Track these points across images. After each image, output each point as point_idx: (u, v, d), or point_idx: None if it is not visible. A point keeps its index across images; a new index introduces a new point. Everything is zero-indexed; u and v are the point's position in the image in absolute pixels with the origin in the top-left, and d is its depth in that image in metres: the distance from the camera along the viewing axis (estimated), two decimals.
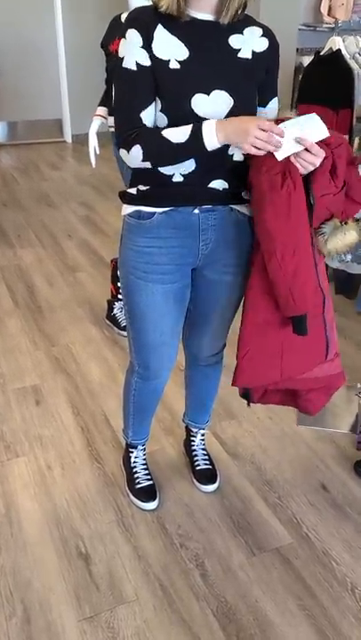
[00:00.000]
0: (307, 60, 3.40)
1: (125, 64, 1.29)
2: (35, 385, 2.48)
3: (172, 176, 1.38)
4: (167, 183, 1.39)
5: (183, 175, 1.37)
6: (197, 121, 1.28)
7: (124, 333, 2.81)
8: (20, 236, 4.09)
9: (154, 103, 1.31)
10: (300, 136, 1.26)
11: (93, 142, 2.68)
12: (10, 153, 6.31)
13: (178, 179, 1.38)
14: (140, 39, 1.27)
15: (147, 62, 1.28)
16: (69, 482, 1.98)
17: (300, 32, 4.15)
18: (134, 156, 1.31)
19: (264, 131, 1.22)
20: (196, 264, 1.53)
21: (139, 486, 1.89)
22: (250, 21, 1.36)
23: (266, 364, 1.59)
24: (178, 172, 1.37)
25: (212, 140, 1.26)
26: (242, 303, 1.60)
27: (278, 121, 1.29)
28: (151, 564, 1.69)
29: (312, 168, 1.32)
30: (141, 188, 1.44)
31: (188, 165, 1.36)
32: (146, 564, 1.69)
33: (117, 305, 2.91)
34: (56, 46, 6.33)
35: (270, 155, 1.28)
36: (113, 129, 2.68)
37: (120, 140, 1.34)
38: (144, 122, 1.31)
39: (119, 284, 2.94)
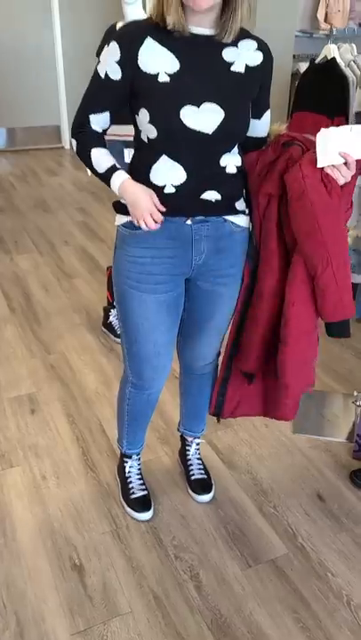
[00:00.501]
0: (303, 66, 3.40)
1: (98, 68, 1.34)
2: (30, 393, 2.47)
3: (163, 187, 1.38)
4: (159, 194, 1.38)
5: (175, 186, 1.37)
6: (186, 133, 1.29)
7: (120, 341, 2.80)
8: (17, 242, 4.09)
9: (107, 113, 1.38)
10: (344, 150, 1.30)
11: None
12: (8, 159, 6.32)
13: (170, 190, 1.37)
14: (119, 55, 1.29)
15: (116, 76, 1.31)
16: (64, 492, 1.97)
17: (296, 38, 4.16)
18: (73, 147, 1.43)
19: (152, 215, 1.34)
20: (189, 274, 1.52)
21: (133, 496, 1.87)
22: (245, 34, 1.35)
23: (305, 372, 1.64)
24: (169, 183, 1.37)
25: (116, 187, 1.38)
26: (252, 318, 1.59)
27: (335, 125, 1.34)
28: (145, 576, 1.68)
29: (343, 181, 1.36)
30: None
31: (180, 177, 1.36)
32: (140, 576, 1.68)
33: (113, 312, 2.90)
34: (54, 53, 6.34)
35: (308, 162, 1.31)
36: (110, 138, 2.68)
37: (72, 125, 1.43)
38: (91, 123, 1.39)
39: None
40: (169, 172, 1.36)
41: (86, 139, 1.40)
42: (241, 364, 1.69)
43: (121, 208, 1.47)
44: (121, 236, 1.51)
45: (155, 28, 1.28)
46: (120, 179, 1.37)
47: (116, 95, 1.35)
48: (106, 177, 1.38)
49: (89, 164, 1.40)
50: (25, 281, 3.50)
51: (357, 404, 2.24)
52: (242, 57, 1.34)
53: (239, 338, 1.66)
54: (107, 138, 2.70)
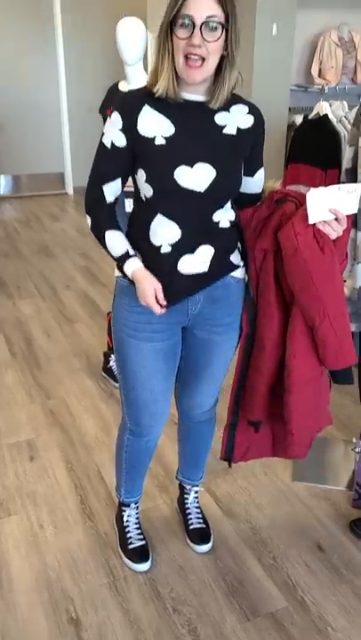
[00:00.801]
0: (299, 119, 3.53)
1: (104, 140, 1.41)
2: (29, 439, 2.47)
3: (160, 247, 1.43)
4: (156, 253, 1.44)
5: (171, 245, 1.42)
6: (180, 192, 1.36)
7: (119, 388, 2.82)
8: (20, 286, 4.15)
9: (119, 180, 1.44)
10: (335, 207, 1.36)
11: None
12: (13, 205, 6.47)
13: (166, 249, 1.43)
14: (122, 123, 1.36)
15: (122, 143, 1.38)
16: (61, 541, 1.95)
17: (292, 92, 4.32)
18: (87, 220, 1.50)
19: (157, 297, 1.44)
20: (185, 323, 1.56)
21: (131, 546, 1.86)
22: (237, 99, 1.43)
23: (313, 419, 1.67)
24: (166, 242, 1.42)
25: (128, 273, 1.46)
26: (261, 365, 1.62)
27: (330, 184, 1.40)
28: (143, 630, 1.65)
29: (335, 236, 1.41)
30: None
31: (175, 235, 1.41)
32: (137, 630, 1.65)
33: (113, 357, 2.92)
34: (59, 106, 6.59)
35: (300, 219, 1.37)
36: None
37: (85, 201, 1.48)
38: (105, 194, 1.45)
39: None
40: (165, 231, 1.42)
41: (101, 218, 1.46)
42: (247, 413, 1.71)
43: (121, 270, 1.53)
44: (119, 286, 1.56)
45: (151, 95, 1.36)
46: (132, 267, 1.44)
47: (124, 162, 1.41)
48: (119, 262, 1.46)
49: (103, 244, 1.47)
50: (27, 325, 3.55)
51: (356, 450, 2.24)
52: (234, 120, 1.41)
53: (243, 386, 1.69)
54: None
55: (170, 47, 1.30)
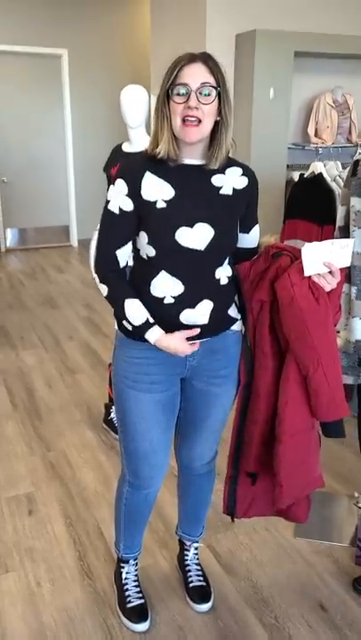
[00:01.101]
0: (296, 175, 3.66)
1: (110, 207, 1.46)
2: (28, 493, 2.46)
3: (163, 298, 1.48)
4: (159, 303, 1.48)
5: (174, 297, 1.47)
6: (181, 251, 1.42)
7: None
8: (24, 337, 4.20)
9: (130, 243, 1.49)
10: (328, 261, 1.42)
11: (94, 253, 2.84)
12: (18, 257, 6.62)
13: (169, 300, 1.48)
14: (127, 189, 1.43)
15: (129, 208, 1.44)
16: (59, 599, 1.92)
17: (290, 150, 4.49)
18: (101, 289, 1.52)
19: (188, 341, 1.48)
20: (184, 374, 1.59)
21: (130, 605, 1.82)
22: (231, 162, 1.51)
23: (302, 473, 1.65)
24: (168, 294, 1.47)
25: (151, 341, 1.48)
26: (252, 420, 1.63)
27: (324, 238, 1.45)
28: None
29: (329, 288, 1.46)
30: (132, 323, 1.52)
31: (178, 289, 1.46)
32: None
33: (114, 409, 2.93)
34: (65, 163, 6.86)
35: (296, 271, 1.42)
36: None
37: (97, 270, 1.51)
38: (119, 259, 1.49)
39: None
40: (168, 286, 1.47)
41: (119, 286, 1.49)
42: (243, 464, 1.71)
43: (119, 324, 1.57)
44: (119, 338, 1.60)
45: (151, 161, 1.44)
46: (155, 335, 1.47)
47: (132, 225, 1.46)
48: (140, 330, 1.48)
49: (121, 313, 1.48)
50: (29, 376, 3.57)
51: (359, 505, 2.22)
52: (229, 182, 1.49)
53: (241, 437, 1.69)
54: None
55: (168, 113, 1.39)
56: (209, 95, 1.36)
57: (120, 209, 1.45)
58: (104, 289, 1.50)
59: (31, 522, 2.28)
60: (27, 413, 3.12)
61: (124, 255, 1.49)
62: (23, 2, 6.14)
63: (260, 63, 4.21)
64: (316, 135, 4.64)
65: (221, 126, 1.42)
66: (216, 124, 1.41)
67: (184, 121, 1.36)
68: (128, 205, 1.44)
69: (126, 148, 2.72)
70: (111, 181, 2.61)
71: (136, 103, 2.60)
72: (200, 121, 1.36)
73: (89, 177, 6.74)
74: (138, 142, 2.64)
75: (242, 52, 4.36)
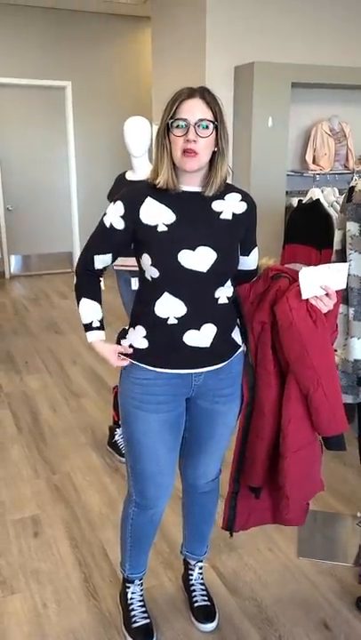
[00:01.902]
0: (295, 201, 3.76)
1: (104, 219, 1.58)
2: (34, 515, 2.48)
3: (167, 319, 1.53)
4: (163, 324, 1.54)
5: (177, 318, 1.53)
6: (184, 273, 1.48)
7: (125, 460, 2.84)
8: (28, 362, 4.25)
9: (110, 255, 1.61)
10: (325, 284, 1.48)
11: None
12: (22, 283, 6.71)
13: (172, 321, 1.53)
14: (123, 211, 1.52)
15: (118, 227, 1.54)
16: (65, 621, 1.93)
17: (288, 177, 4.60)
18: (74, 280, 1.68)
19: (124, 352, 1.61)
20: (189, 394, 1.64)
21: (135, 625, 1.83)
22: (230, 188, 1.59)
23: (307, 484, 1.70)
24: (172, 315, 1.53)
25: (88, 340, 1.66)
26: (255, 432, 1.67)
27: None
28: None
29: (326, 310, 1.53)
30: (137, 345, 1.59)
31: (181, 310, 1.52)
32: None
33: (119, 431, 2.97)
34: (69, 191, 7.00)
35: (294, 295, 1.49)
36: (118, 268, 2.93)
37: (77, 262, 1.66)
38: (95, 263, 1.62)
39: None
40: (171, 307, 1.53)
41: (84, 283, 1.65)
42: (247, 479, 1.75)
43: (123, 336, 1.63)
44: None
45: (153, 188, 1.52)
46: (92, 338, 1.65)
47: (118, 241, 1.58)
48: (85, 328, 1.65)
49: (78, 306, 1.66)
50: (34, 400, 3.61)
51: None
52: (229, 207, 1.56)
53: (244, 453, 1.74)
54: (116, 268, 2.96)
55: (168, 145, 1.48)
56: (207, 128, 1.44)
57: (111, 225, 1.55)
58: (75, 279, 1.67)
59: (37, 544, 2.30)
60: (32, 437, 3.16)
61: (101, 261, 1.62)
62: (28, 36, 6.36)
63: (259, 94, 4.35)
64: (313, 162, 4.75)
65: (218, 156, 1.50)
66: (214, 153, 1.49)
67: (184, 152, 1.44)
68: (119, 224, 1.54)
69: (130, 176, 2.81)
70: None
71: (139, 133, 2.70)
72: (198, 152, 1.44)
73: (92, 205, 6.88)
74: (141, 171, 2.73)
75: (241, 84, 4.51)
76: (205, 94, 1.46)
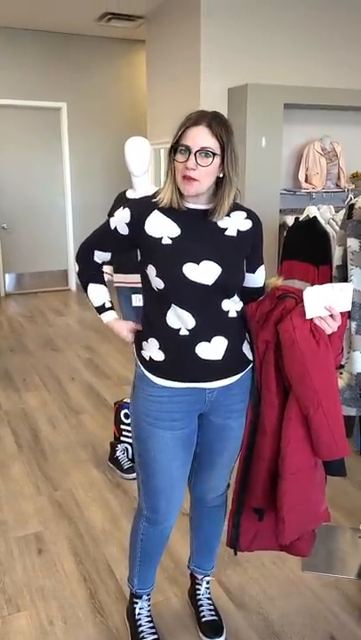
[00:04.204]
0: (289, 219, 3.82)
1: (110, 221, 1.64)
2: (37, 532, 2.47)
3: (179, 330, 1.56)
4: (175, 335, 1.56)
5: (188, 330, 1.55)
6: (190, 285, 1.50)
7: (127, 476, 2.84)
8: (26, 379, 4.25)
9: (109, 254, 1.70)
10: (329, 304, 1.49)
11: None
12: (17, 301, 6.72)
13: (184, 332, 1.55)
14: (129, 219, 1.57)
15: (122, 232, 1.60)
16: (72, 638, 1.92)
17: (281, 196, 4.69)
18: (75, 267, 1.80)
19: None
20: (203, 410, 1.65)
21: None
22: (236, 207, 1.61)
23: (305, 509, 1.68)
24: (183, 326, 1.55)
25: (104, 321, 1.78)
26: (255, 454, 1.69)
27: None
28: None
29: (330, 331, 1.54)
30: (155, 357, 1.60)
31: (190, 322, 1.55)
32: None
33: (120, 447, 2.98)
34: (64, 207, 7.05)
35: (298, 314, 1.50)
36: (118, 284, 2.96)
37: (77, 250, 1.75)
38: (95, 256, 1.71)
39: (123, 427, 3.04)
40: (181, 318, 1.55)
41: (88, 269, 1.75)
42: (250, 500, 1.75)
43: (140, 360, 1.66)
44: (138, 376, 1.66)
45: (160, 202, 1.56)
46: (107, 318, 1.77)
47: (120, 244, 1.64)
48: (98, 310, 1.77)
49: (85, 292, 1.78)
50: (33, 417, 3.61)
51: None
52: (234, 224, 1.59)
53: (247, 472, 1.73)
54: (116, 285, 2.99)
55: (173, 167, 1.52)
56: (208, 157, 1.46)
57: (115, 229, 1.61)
58: (77, 266, 1.77)
59: (41, 561, 2.29)
60: (32, 454, 3.15)
61: (100, 257, 1.71)
62: (24, 58, 6.46)
63: (252, 114, 4.45)
64: (306, 181, 4.85)
65: (225, 183, 1.52)
66: (221, 179, 1.52)
67: (184, 177, 1.48)
68: (123, 229, 1.60)
69: (130, 194, 2.86)
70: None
71: (140, 153, 2.76)
72: (198, 180, 1.47)
73: (87, 223, 6.86)
74: (142, 189, 2.79)
75: (234, 105, 4.61)
76: (213, 122, 1.47)
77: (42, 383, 4.18)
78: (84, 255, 1.72)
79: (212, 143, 1.46)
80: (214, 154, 1.46)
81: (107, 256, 1.70)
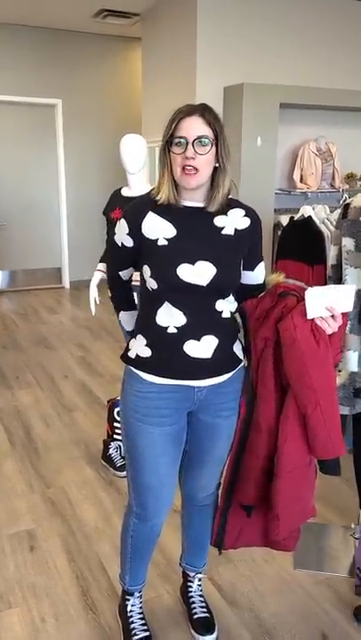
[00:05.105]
0: (283, 219, 3.84)
1: (115, 239, 1.65)
2: (29, 530, 2.47)
3: (167, 328, 1.56)
4: (163, 332, 1.56)
5: (176, 328, 1.55)
6: (184, 286, 1.50)
7: (120, 474, 2.84)
8: (19, 377, 4.24)
9: (131, 267, 1.71)
10: (331, 305, 1.49)
11: (94, 294, 2.94)
12: (10, 298, 6.69)
13: (172, 330, 1.56)
14: (128, 228, 1.58)
15: (129, 244, 1.60)
16: (64, 635, 1.92)
17: (276, 195, 4.70)
18: (109, 292, 1.84)
19: None
20: (192, 408, 1.65)
21: (135, 638, 1.83)
22: (234, 203, 1.62)
23: (298, 506, 1.69)
24: (172, 324, 1.55)
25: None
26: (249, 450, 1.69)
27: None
28: None
29: (331, 331, 1.54)
30: (141, 353, 1.61)
31: (180, 320, 1.54)
32: None
33: (113, 445, 2.97)
34: (59, 206, 7.04)
35: (299, 313, 1.49)
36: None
37: (108, 277, 1.80)
38: (121, 275, 1.75)
39: (116, 425, 3.04)
40: (171, 316, 1.55)
41: (118, 296, 1.81)
42: (240, 497, 1.75)
43: (127, 358, 1.67)
44: (128, 373, 1.66)
45: (155, 202, 1.56)
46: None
47: (132, 257, 1.63)
48: (129, 334, 1.76)
49: (117, 316, 1.85)
50: (26, 415, 3.60)
51: (356, 536, 2.26)
52: (231, 222, 1.59)
53: (238, 469, 1.74)
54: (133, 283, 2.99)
55: (168, 162, 1.51)
56: (205, 145, 1.47)
57: (122, 244, 1.62)
58: (110, 291, 1.82)
59: (33, 558, 2.29)
60: (25, 451, 3.14)
61: (125, 275, 1.74)
62: (19, 54, 6.43)
63: (248, 114, 4.46)
64: (301, 181, 4.86)
65: (219, 172, 1.53)
66: (215, 169, 1.53)
67: (183, 169, 1.48)
68: (128, 242, 1.60)
69: (125, 192, 2.85)
70: (112, 222, 2.77)
71: (135, 150, 2.75)
72: (197, 169, 1.48)
73: (81, 221, 6.93)
74: (137, 187, 2.78)
75: (230, 104, 4.62)
76: (205, 112, 1.49)
77: (35, 381, 4.17)
78: (112, 281, 1.77)
79: (207, 131, 1.48)
80: (211, 142, 1.48)
81: (130, 271, 1.72)
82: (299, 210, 3.05)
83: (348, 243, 1.89)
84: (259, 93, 4.46)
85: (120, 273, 1.72)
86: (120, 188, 2.94)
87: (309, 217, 2.79)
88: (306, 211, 2.82)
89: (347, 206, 1.92)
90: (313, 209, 2.83)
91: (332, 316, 1.52)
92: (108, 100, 6.98)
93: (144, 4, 5.41)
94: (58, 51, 6.60)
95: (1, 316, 5.96)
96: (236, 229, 1.58)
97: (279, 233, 3.66)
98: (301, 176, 4.86)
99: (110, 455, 2.95)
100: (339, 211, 2.05)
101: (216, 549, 1.86)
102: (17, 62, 6.44)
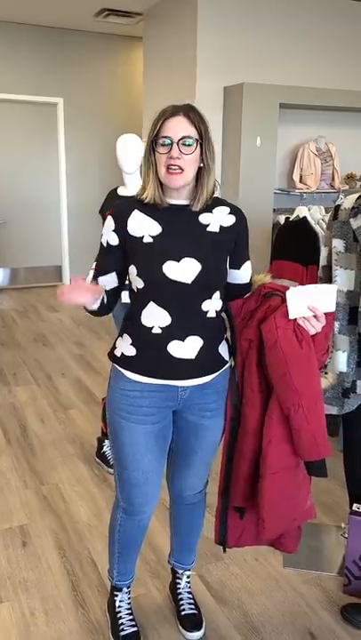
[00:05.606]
0: (282, 219, 3.84)
1: (103, 239, 1.64)
2: (22, 525, 2.49)
3: (151, 328, 1.58)
4: (147, 332, 1.57)
5: (161, 328, 1.57)
6: (169, 284, 1.52)
7: (113, 471, 2.86)
8: (16, 374, 4.26)
9: (114, 273, 1.63)
10: (312, 305, 1.49)
11: None
12: (11, 296, 6.72)
13: (156, 330, 1.57)
14: (114, 225, 1.58)
15: (115, 242, 1.59)
16: (53, 630, 1.94)
17: (276, 195, 4.70)
18: None
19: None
20: (176, 407, 1.67)
21: (123, 633, 1.85)
22: (219, 202, 1.63)
23: (287, 508, 1.69)
24: (156, 325, 1.57)
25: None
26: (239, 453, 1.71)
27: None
28: None
29: (314, 332, 1.54)
30: (126, 352, 1.62)
31: (165, 320, 1.56)
32: None
33: (107, 443, 2.99)
34: (59, 203, 7.05)
35: (281, 314, 1.50)
36: None
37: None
38: (101, 282, 1.64)
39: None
40: (156, 316, 1.56)
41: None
42: (232, 498, 1.76)
43: (113, 357, 1.68)
44: (114, 371, 1.68)
45: (141, 202, 1.58)
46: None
47: (118, 258, 1.61)
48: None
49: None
50: (22, 412, 3.62)
51: (345, 536, 2.27)
52: (216, 220, 1.60)
53: (230, 470, 1.74)
54: None
55: (153, 161, 1.53)
56: (190, 145, 1.49)
57: (107, 242, 1.61)
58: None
59: (25, 553, 2.31)
60: (20, 448, 3.16)
61: (105, 282, 1.64)
62: (21, 53, 6.45)
63: (248, 114, 4.46)
64: (300, 181, 4.86)
65: (204, 172, 1.55)
66: (200, 169, 1.54)
67: (168, 169, 1.49)
68: (114, 240, 1.59)
69: (122, 191, 2.87)
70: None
71: (131, 150, 2.77)
72: (182, 169, 1.49)
73: (82, 219, 6.94)
74: (133, 187, 2.79)
75: (230, 104, 4.62)
76: (189, 112, 1.51)
77: (32, 378, 4.19)
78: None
79: (192, 132, 1.49)
80: (195, 142, 1.49)
81: (112, 279, 1.63)
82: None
83: (338, 244, 1.91)
84: (259, 93, 4.47)
85: (100, 278, 1.64)
86: (116, 188, 2.95)
87: (304, 217, 2.80)
88: (301, 211, 2.83)
89: (337, 208, 1.93)
90: (308, 210, 2.84)
91: (315, 317, 1.53)
92: (109, 98, 6.99)
93: (146, 4, 5.41)
94: (59, 50, 6.61)
95: (0, 313, 5.98)
96: (221, 226, 1.59)
97: (274, 237, 3.67)
98: (301, 176, 4.86)
99: (104, 453, 2.97)
100: (331, 212, 2.07)
101: (209, 546, 1.88)
102: (18, 61, 6.46)
